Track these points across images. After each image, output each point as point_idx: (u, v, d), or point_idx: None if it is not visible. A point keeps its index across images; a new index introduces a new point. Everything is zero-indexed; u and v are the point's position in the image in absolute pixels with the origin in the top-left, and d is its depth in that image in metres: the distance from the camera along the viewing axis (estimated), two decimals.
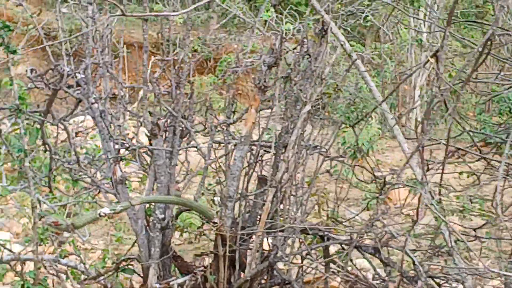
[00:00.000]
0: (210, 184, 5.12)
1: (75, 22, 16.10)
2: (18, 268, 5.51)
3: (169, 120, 4.62)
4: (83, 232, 8.21)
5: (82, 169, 4.83)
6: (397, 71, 14.75)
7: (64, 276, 5.23)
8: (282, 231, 4.31)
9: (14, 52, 4.33)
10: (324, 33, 4.41)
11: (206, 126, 4.72)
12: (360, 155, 10.67)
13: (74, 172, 4.79)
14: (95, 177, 4.77)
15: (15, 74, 4.56)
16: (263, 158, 4.71)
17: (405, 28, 14.37)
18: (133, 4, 17.04)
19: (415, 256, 4.19)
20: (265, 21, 13.13)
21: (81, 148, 6.78)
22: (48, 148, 5.34)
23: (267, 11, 15.25)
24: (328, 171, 4.88)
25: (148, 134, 4.58)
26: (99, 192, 5.17)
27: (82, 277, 5.38)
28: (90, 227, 7.94)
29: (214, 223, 4.27)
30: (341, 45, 4.23)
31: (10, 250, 5.28)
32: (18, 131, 5.54)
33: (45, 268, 5.34)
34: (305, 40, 4.40)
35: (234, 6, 9.14)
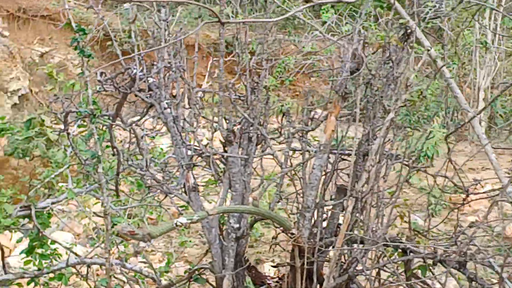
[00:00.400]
0: (281, 192, 4.97)
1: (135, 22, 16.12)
2: (83, 271, 5.48)
3: (244, 127, 4.50)
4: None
5: (153, 176, 4.73)
6: (460, 73, 14.43)
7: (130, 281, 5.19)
8: (362, 242, 4.14)
9: (89, 56, 4.26)
10: (407, 37, 4.23)
11: (282, 132, 4.57)
12: (425, 161, 10.43)
13: (146, 179, 4.69)
14: (168, 184, 4.66)
15: (88, 77, 4.49)
16: (341, 167, 4.54)
17: (468, 30, 14.05)
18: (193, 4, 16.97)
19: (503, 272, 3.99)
20: (324, 22, 12.95)
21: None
22: (116, 152, 5.28)
23: (326, 12, 15.01)
24: (407, 181, 4.68)
25: (223, 141, 4.46)
26: (165, 196, 5.08)
27: (146, 280, 5.31)
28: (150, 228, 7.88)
29: (292, 234, 4.12)
30: (427, 50, 4.04)
31: (75, 254, 5.25)
32: (84, 133, 5.51)
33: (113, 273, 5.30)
34: (388, 44, 4.22)
35: (294, 7, 8.99)
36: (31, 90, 15.49)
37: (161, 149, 7.61)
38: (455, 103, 14.54)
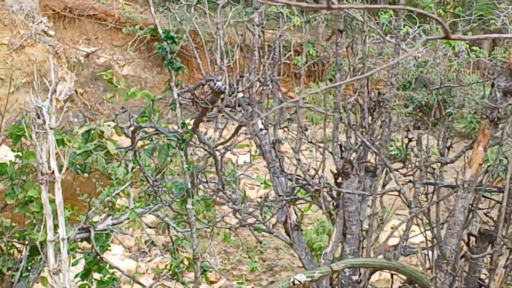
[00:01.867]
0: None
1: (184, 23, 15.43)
2: None
3: (361, 155, 3.70)
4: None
5: (239, 207, 3.98)
6: None
7: None
8: None
9: (178, 69, 3.51)
10: None
11: (408, 163, 3.77)
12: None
13: (240, 214, 3.93)
14: (264, 219, 3.90)
15: (175, 94, 3.76)
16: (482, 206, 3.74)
17: None
18: (239, 5, 16.29)
19: None
20: (382, 23, 11.97)
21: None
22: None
23: (385, 13, 14.08)
24: None
25: (336, 172, 3.67)
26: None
27: None
28: (206, 243, 7.20)
29: None
30: None
31: (141, 284, 4.69)
32: (147, 147, 4.96)
33: None
34: None
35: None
36: (76, 91, 14.93)
37: (233, 165, 6.92)
38: None
